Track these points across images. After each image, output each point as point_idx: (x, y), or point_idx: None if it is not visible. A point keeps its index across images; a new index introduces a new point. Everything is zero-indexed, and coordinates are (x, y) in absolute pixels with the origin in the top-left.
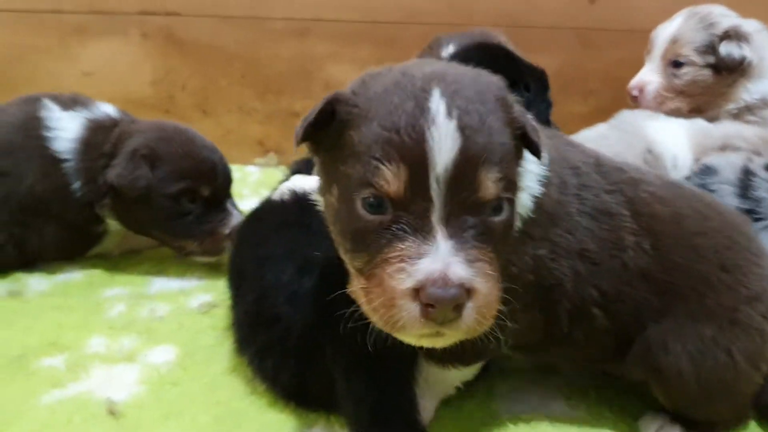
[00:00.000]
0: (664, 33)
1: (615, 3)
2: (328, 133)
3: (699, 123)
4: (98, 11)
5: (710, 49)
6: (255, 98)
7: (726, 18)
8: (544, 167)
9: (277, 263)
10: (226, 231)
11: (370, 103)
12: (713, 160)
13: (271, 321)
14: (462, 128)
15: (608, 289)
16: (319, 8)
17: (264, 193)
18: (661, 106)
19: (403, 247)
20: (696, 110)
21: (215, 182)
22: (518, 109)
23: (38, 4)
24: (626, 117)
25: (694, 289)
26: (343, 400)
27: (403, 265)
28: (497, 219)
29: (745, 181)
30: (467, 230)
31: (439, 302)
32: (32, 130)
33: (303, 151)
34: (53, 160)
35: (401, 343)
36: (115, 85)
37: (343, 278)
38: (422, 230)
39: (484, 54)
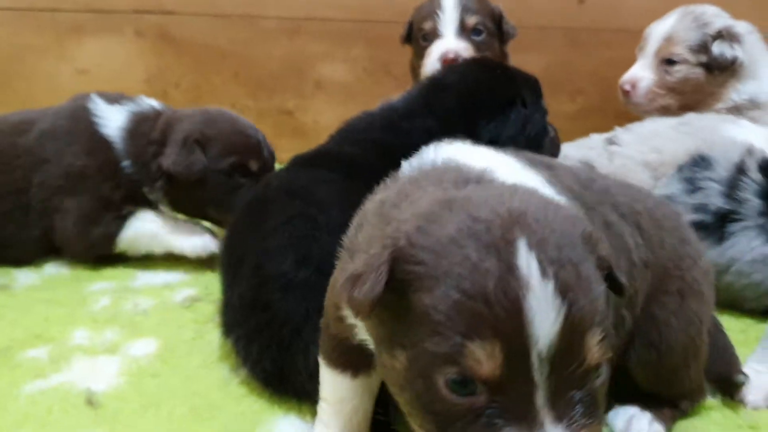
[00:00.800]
0: (658, 30)
1: (603, 3)
2: (384, 292)
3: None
4: (94, 9)
5: (703, 48)
6: (247, 96)
7: (719, 18)
8: None
9: (279, 253)
10: None
11: (439, 259)
12: (710, 150)
13: (262, 307)
14: (562, 291)
15: (631, 287)
16: (311, 7)
17: None
18: (651, 102)
19: None
20: (685, 108)
21: (262, 157)
22: (603, 244)
23: (35, 3)
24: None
25: (671, 260)
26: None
27: None
28: (599, 381)
29: (735, 180)
30: (574, 407)
31: None
32: (80, 117)
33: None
34: (101, 142)
35: None
36: (109, 82)
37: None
38: (526, 417)
39: (481, 69)
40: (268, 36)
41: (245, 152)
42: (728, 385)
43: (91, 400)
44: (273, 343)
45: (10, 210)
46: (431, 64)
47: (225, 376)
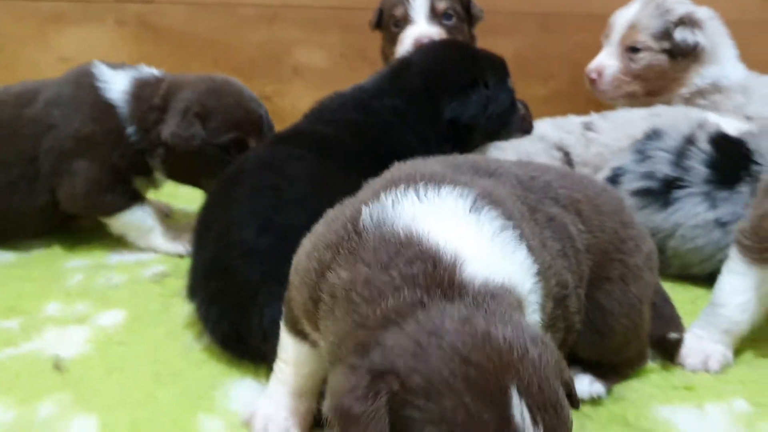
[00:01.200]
0: (621, 18)
1: None
2: None
3: None
4: None
5: (666, 34)
6: None
7: (680, 5)
8: (524, 249)
9: (242, 221)
10: None
11: (435, 405)
12: (663, 124)
13: (222, 271)
14: None
15: (579, 272)
16: None
17: None
18: (617, 89)
19: None
20: (651, 94)
21: (262, 134)
22: (566, 369)
23: None
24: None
25: (611, 244)
26: (272, 355)
27: None
28: None
29: (684, 149)
30: None
31: None
32: (84, 82)
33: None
34: (106, 106)
35: None
36: None
37: (295, 245)
38: None
39: (447, 51)
40: (246, 23)
41: (246, 129)
42: (665, 344)
43: (58, 365)
44: (231, 306)
45: (16, 180)
46: (404, 50)
47: (188, 345)
